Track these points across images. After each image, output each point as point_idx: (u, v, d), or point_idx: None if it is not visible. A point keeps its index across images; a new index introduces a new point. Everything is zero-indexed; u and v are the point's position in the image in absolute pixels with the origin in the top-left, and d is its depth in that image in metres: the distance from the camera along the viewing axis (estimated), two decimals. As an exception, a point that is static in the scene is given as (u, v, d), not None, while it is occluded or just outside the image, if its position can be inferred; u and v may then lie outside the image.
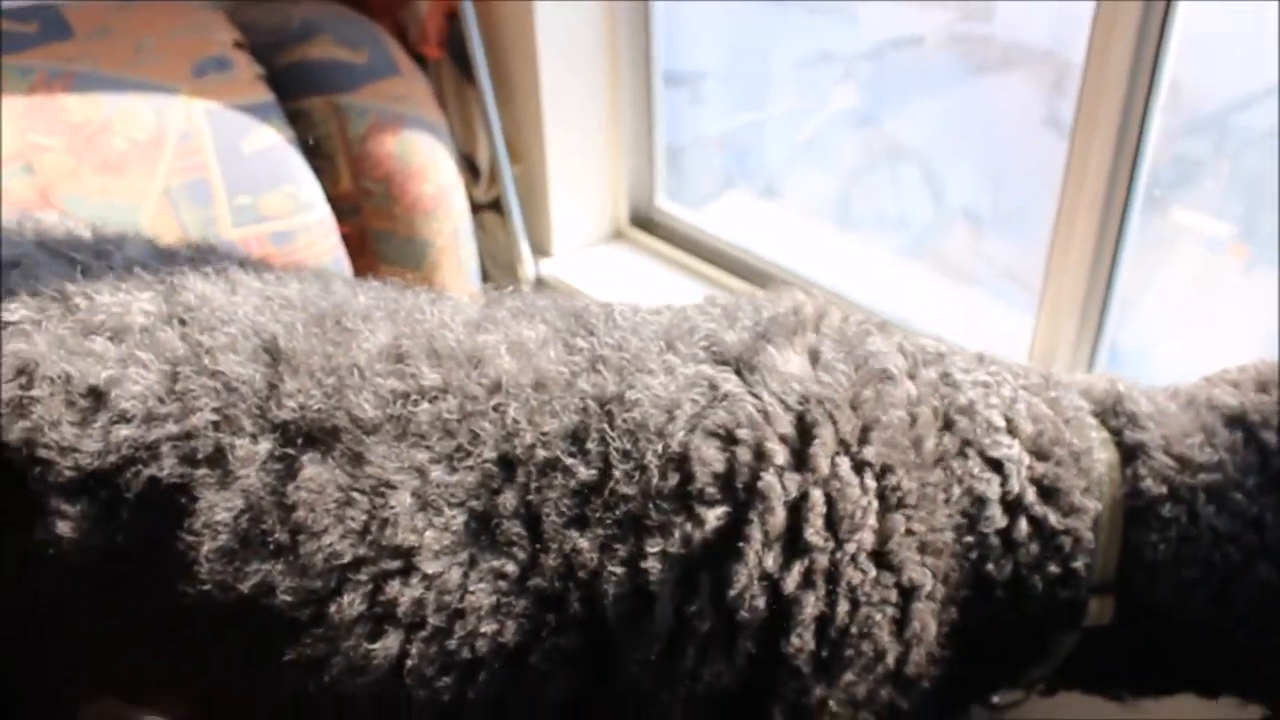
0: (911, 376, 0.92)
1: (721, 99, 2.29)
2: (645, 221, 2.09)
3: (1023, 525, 0.89)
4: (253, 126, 1.65)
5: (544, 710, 0.88)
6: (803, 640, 0.84)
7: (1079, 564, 0.89)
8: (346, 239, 1.72)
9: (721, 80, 2.26)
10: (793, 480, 0.85)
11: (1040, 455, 0.91)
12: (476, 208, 1.93)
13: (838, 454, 0.86)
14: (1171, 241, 1.61)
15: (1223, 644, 0.90)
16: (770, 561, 0.83)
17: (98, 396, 0.91)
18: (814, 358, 0.91)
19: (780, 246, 1.90)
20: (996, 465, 0.90)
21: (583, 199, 2.01)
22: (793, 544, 0.84)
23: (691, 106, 2.18)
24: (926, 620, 0.87)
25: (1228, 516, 0.88)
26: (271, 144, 1.66)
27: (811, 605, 0.84)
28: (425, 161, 1.73)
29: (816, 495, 0.85)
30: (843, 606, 0.84)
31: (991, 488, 0.89)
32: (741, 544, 0.83)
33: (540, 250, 2.01)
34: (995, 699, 1.05)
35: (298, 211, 1.64)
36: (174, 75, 1.63)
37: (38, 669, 1.03)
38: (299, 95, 1.73)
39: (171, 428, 0.89)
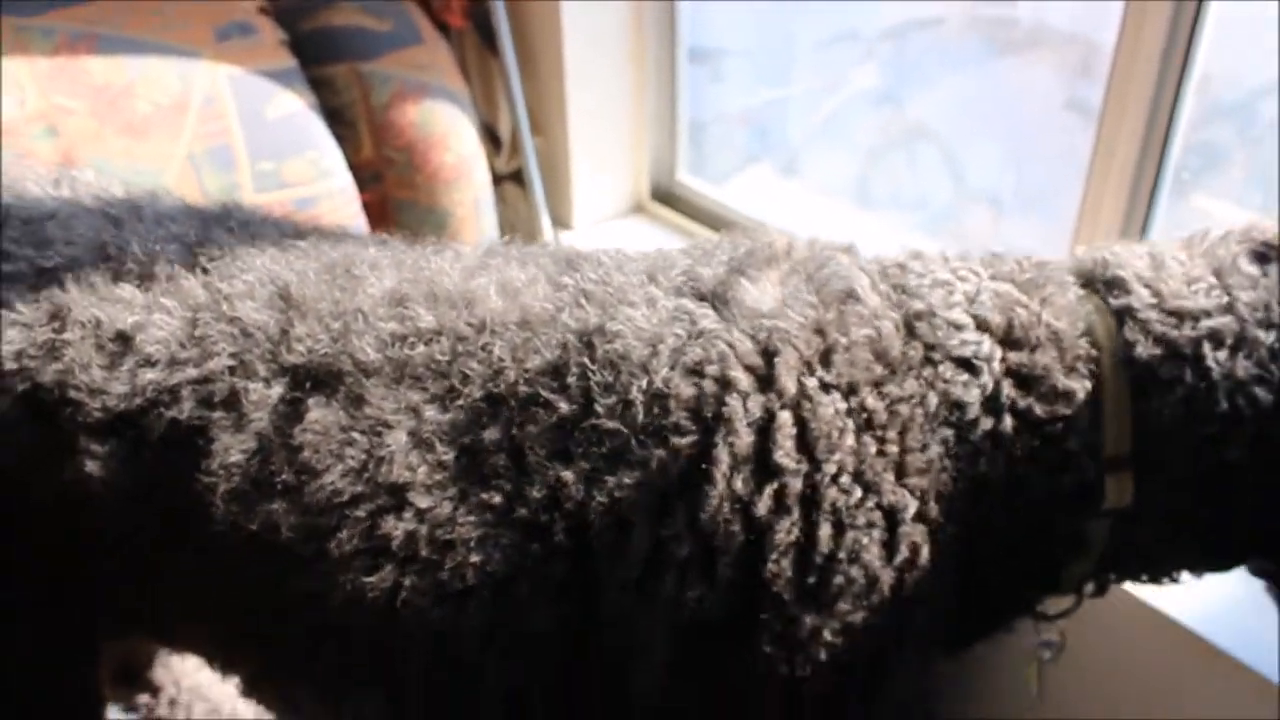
0: (874, 293, 0.90)
1: (743, 76, 2.29)
2: (666, 196, 2.09)
3: (1008, 422, 0.86)
4: (276, 92, 1.65)
5: (533, 640, 0.89)
6: (780, 566, 0.83)
7: (1075, 446, 0.86)
8: (368, 207, 1.72)
9: (744, 58, 2.25)
10: (756, 402, 0.84)
11: (1014, 345, 0.88)
12: (497, 179, 1.93)
13: (803, 375, 0.85)
14: (1193, 227, 1.60)
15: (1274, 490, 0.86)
16: (740, 484, 0.83)
17: (125, 341, 0.94)
18: (783, 287, 0.91)
19: (800, 223, 1.90)
20: (968, 365, 0.87)
21: (604, 172, 2.00)
22: (763, 467, 0.84)
23: (712, 83, 2.17)
24: (917, 543, 0.85)
25: (1247, 358, 0.84)
26: (294, 110, 1.66)
27: (786, 529, 0.83)
28: (447, 131, 1.73)
29: (785, 417, 0.84)
30: (825, 531, 0.83)
31: (969, 391, 0.86)
32: (710, 467, 0.83)
33: (560, 222, 2.01)
34: (1044, 609, 1.01)
35: (319, 178, 1.64)
36: (197, 39, 1.62)
37: (69, 604, 1.05)
38: (322, 62, 1.73)
39: (191, 372, 0.92)
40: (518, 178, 1.95)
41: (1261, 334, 0.84)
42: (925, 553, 0.85)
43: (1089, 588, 0.97)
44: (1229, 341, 0.84)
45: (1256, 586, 1.17)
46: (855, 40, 2.26)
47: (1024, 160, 2.07)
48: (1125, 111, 1.31)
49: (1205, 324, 0.85)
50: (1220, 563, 0.95)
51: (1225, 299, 0.85)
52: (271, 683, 1.06)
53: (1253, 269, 0.86)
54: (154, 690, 1.53)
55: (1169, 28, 1.25)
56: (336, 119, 1.72)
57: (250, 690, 1.09)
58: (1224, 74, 1.44)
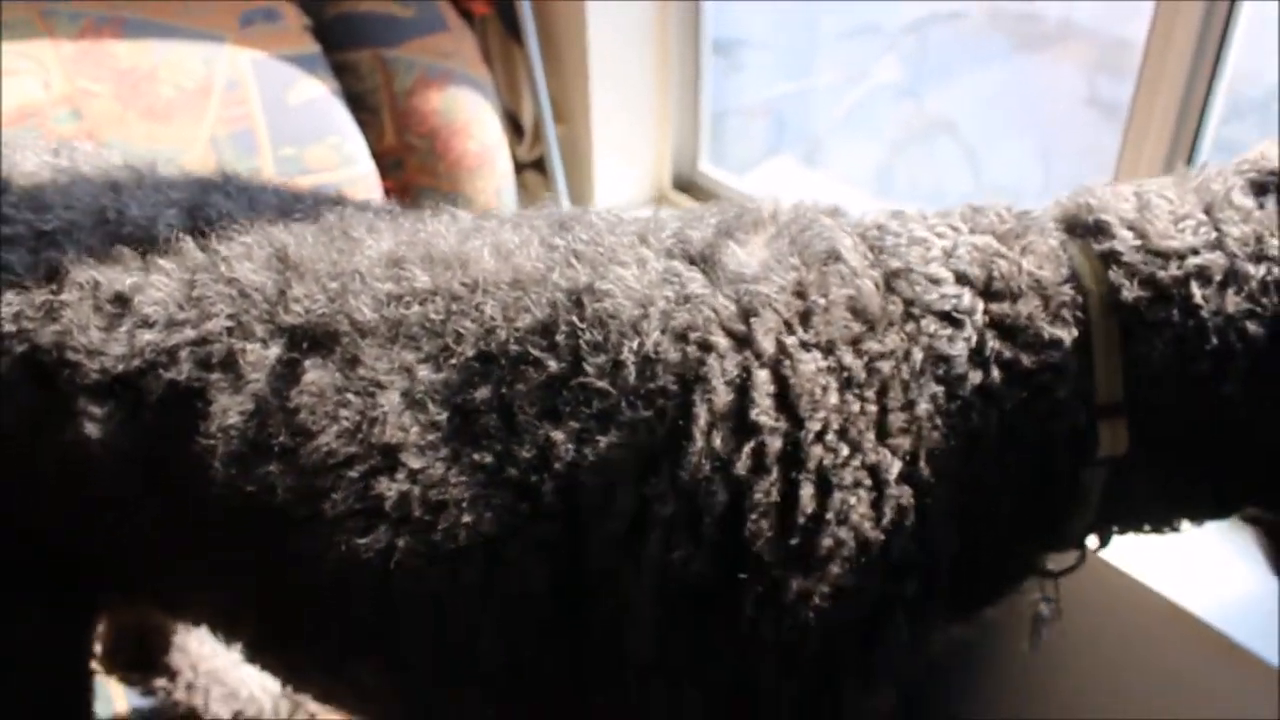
0: (856, 253, 0.89)
1: (765, 68, 2.28)
2: (688, 185, 2.08)
3: (996, 375, 0.85)
4: (299, 78, 1.65)
5: (526, 601, 0.88)
6: (760, 526, 0.82)
7: (1066, 395, 0.84)
8: (389, 194, 1.72)
9: (766, 50, 2.25)
10: (734, 361, 0.84)
11: (994, 296, 0.86)
12: (519, 167, 1.92)
13: (782, 335, 0.84)
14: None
15: (1276, 432, 0.85)
16: (719, 442, 0.82)
17: (123, 302, 0.94)
18: (768, 250, 0.90)
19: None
20: (949, 319, 0.86)
21: (626, 161, 2.00)
22: (741, 425, 0.83)
23: (734, 75, 2.17)
24: (904, 505, 0.84)
25: (1237, 293, 0.82)
26: (317, 96, 1.66)
27: (766, 489, 0.82)
28: (470, 119, 1.73)
29: (762, 375, 0.83)
30: (808, 491, 0.82)
31: (954, 344, 0.85)
32: (689, 424, 0.83)
33: (581, 212, 2.00)
34: (1050, 566, 1.00)
35: (342, 165, 1.64)
36: (221, 24, 1.62)
37: (68, 571, 1.05)
38: (345, 48, 1.73)
39: (189, 333, 0.92)
40: (540, 166, 1.95)
41: (1251, 268, 0.82)
42: (914, 515, 0.84)
43: (1092, 541, 0.96)
44: (1217, 278, 0.82)
45: (1258, 572, 1.17)
46: (877, 34, 2.26)
47: (1045, 156, 2.07)
48: (1154, 110, 1.30)
49: (1192, 262, 0.83)
50: (1218, 509, 0.93)
51: (1213, 235, 0.84)
52: (273, 648, 1.06)
53: (1246, 201, 0.85)
54: (171, 674, 1.53)
55: (1200, 27, 1.24)
56: (359, 105, 1.72)
57: (253, 657, 1.09)
58: (1246, 71, 1.44)
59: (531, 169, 1.98)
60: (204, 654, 1.54)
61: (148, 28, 1.58)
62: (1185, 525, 0.95)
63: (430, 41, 1.74)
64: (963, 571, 0.88)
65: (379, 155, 1.71)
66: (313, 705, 1.54)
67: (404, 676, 0.98)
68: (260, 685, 1.56)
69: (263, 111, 1.62)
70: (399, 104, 1.72)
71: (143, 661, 1.52)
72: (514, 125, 1.90)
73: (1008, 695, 1.58)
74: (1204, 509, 0.94)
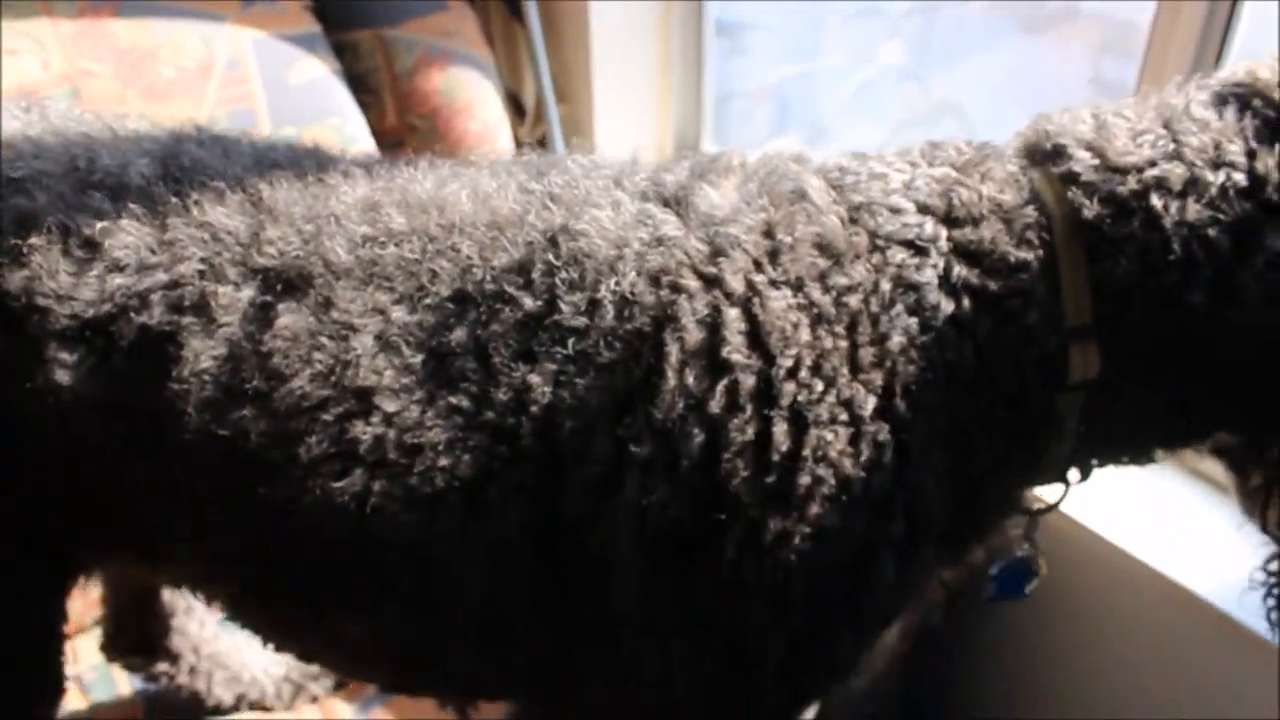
0: (823, 193, 0.89)
1: (767, 51, 2.27)
2: (690, 168, 2.06)
3: (966, 303, 0.85)
4: (299, 58, 1.65)
5: (505, 547, 0.88)
6: (734, 465, 0.82)
7: (1035, 320, 0.84)
8: (390, 174, 1.71)
9: (768, 32, 2.24)
10: (703, 299, 0.84)
11: (956, 223, 0.86)
12: (521, 146, 1.91)
13: (751, 274, 0.85)
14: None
15: (1248, 341, 0.84)
16: (691, 380, 0.82)
17: (93, 246, 0.93)
18: (739, 192, 0.91)
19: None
20: (914, 248, 0.86)
21: (628, 142, 1.98)
22: (713, 363, 0.83)
23: (734, 57, 2.16)
24: (883, 440, 0.83)
25: (1197, 201, 0.81)
26: (317, 75, 1.66)
27: (739, 428, 0.82)
28: (471, 98, 1.72)
29: (732, 313, 0.83)
30: (781, 428, 0.82)
31: (922, 271, 0.85)
32: (662, 363, 0.83)
33: (583, 193, 1.99)
34: (1034, 504, 1.01)
35: (343, 145, 1.63)
36: (222, 4, 1.61)
37: (48, 521, 1.03)
38: (346, 27, 1.72)
39: (161, 276, 0.91)
40: (542, 146, 1.93)
41: (1210, 175, 0.82)
42: (893, 451, 0.84)
43: (1074, 475, 0.96)
44: (1177, 188, 0.82)
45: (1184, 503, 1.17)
46: (881, 16, 2.25)
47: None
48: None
49: (1150, 174, 0.83)
50: (1192, 434, 0.93)
51: (1171, 146, 0.83)
52: (252, 601, 1.05)
53: (1206, 113, 0.85)
54: (172, 658, 1.52)
55: (1206, 8, 1.23)
56: (360, 85, 1.71)
57: (234, 613, 1.09)
58: (1252, 51, 1.43)
59: (533, 149, 1.96)
60: (205, 637, 1.53)
61: (147, 7, 1.57)
62: (1161, 455, 0.95)
63: (431, 21, 1.73)
64: (946, 509, 0.88)
65: (380, 135, 1.70)
66: (316, 688, 1.54)
67: (385, 627, 0.97)
68: (263, 669, 1.55)
69: (263, 91, 1.61)
70: (400, 84, 1.71)
71: (143, 646, 1.52)
72: (515, 105, 1.88)
73: (1010, 681, 1.58)
74: (1178, 434, 0.94)
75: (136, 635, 1.51)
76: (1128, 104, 0.90)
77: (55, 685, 1.19)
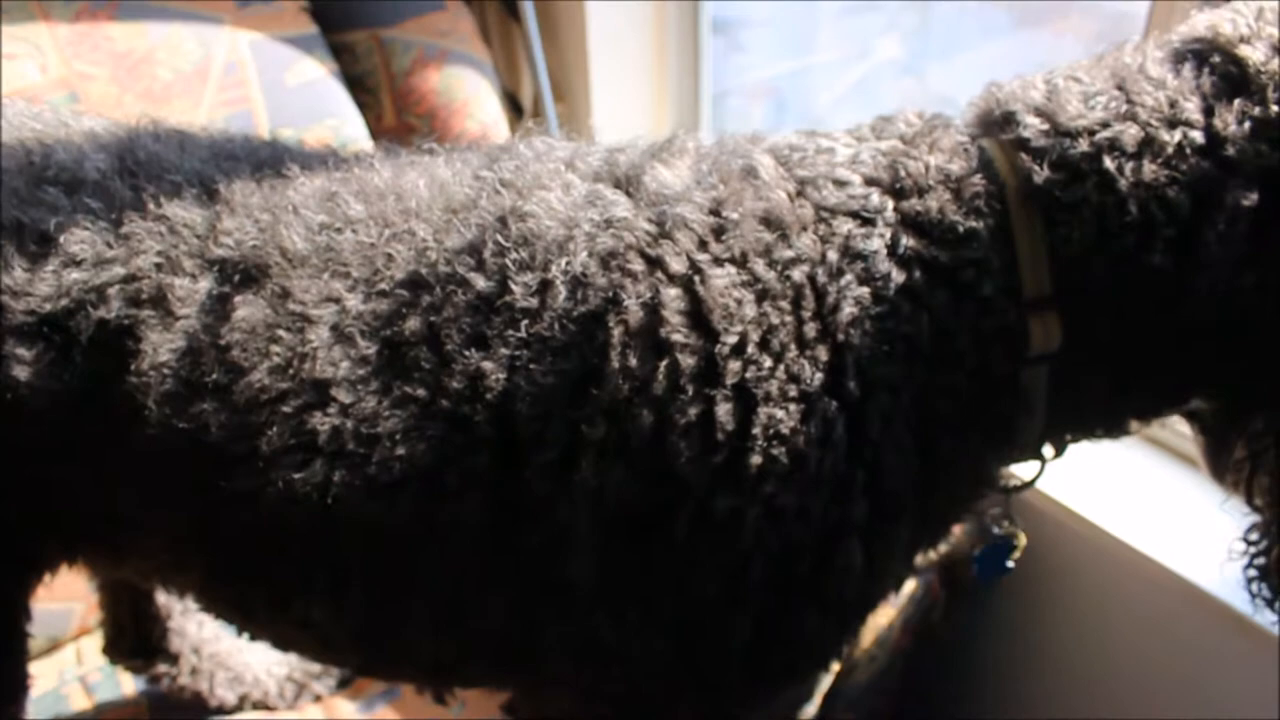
0: (773, 170, 0.88)
1: (763, 48, 2.27)
2: (687, 166, 2.06)
3: (918, 275, 0.83)
4: (297, 59, 1.65)
5: (466, 532, 0.88)
6: (679, 446, 0.81)
7: (990, 291, 0.83)
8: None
9: (764, 28, 2.24)
10: (645, 280, 0.83)
11: (902, 194, 0.85)
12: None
13: (693, 253, 0.84)
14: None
15: (1212, 303, 0.82)
16: (633, 360, 0.82)
17: (49, 242, 0.92)
18: (692, 172, 0.90)
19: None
20: (860, 218, 0.84)
21: (626, 139, 1.98)
22: (654, 344, 0.82)
23: (730, 55, 2.16)
24: (837, 417, 0.82)
25: (1153, 160, 0.79)
26: (315, 77, 1.65)
27: (681, 407, 0.81)
28: (469, 98, 1.72)
29: (671, 293, 0.83)
30: (725, 407, 0.81)
31: (868, 241, 0.83)
32: (606, 345, 0.83)
33: (580, 192, 1.99)
34: (1008, 483, 1.00)
35: (341, 146, 1.63)
36: (219, 5, 1.61)
37: (8, 519, 1.03)
38: (343, 28, 1.72)
39: (118, 270, 0.92)
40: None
41: (1166, 134, 0.80)
42: (851, 429, 0.82)
43: (1048, 451, 0.95)
44: (1130, 148, 0.80)
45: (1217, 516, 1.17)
46: (877, 11, 2.25)
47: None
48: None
49: (1102, 135, 0.81)
50: (1163, 402, 0.92)
51: (1125, 106, 0.82)
52: (221, 591, 1.05)
53: (1161, 71, 0.83)
54: (172, 659, 1.53)
55: (1201, 5, 1.23)
56: (358, 86, 1.71)
57: (205, 603, 1.09)
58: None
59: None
60: (205, 638, 1.54)
61: (144, 10, 1.57)
62: (1135, 426, 0.94)
63: (428, 20, 1.73)
64: (916, 489, 0.87)
65: (378, 136, 1.70)
66: (319, 687, 1.54)
67: (349, 612, 0.97)
68: (265, 669, 1.56)
69: (261, 93, 1.61)
70: (397, 84, 1.71)
71: (143, 648, 1.52)
72: (513, 104, 1.88)
73: (1010, 676, 1.58)
74: (1149, 403, 0.92)
75: (135, 637, 1.51)
76: (1082, 66, 0.88)
77: (19, 684, 1.19)
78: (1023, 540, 1.09)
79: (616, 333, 0.83)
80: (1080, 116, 0.83)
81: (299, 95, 1.63)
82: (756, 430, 0.81)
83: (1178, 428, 1.40)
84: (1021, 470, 1.00)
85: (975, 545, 1.14)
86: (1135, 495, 1.38)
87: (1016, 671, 1.57)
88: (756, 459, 0.81)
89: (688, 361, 0.82)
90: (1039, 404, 0.87)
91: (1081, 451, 0.97)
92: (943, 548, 1.32)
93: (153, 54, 1.56)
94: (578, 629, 0.90)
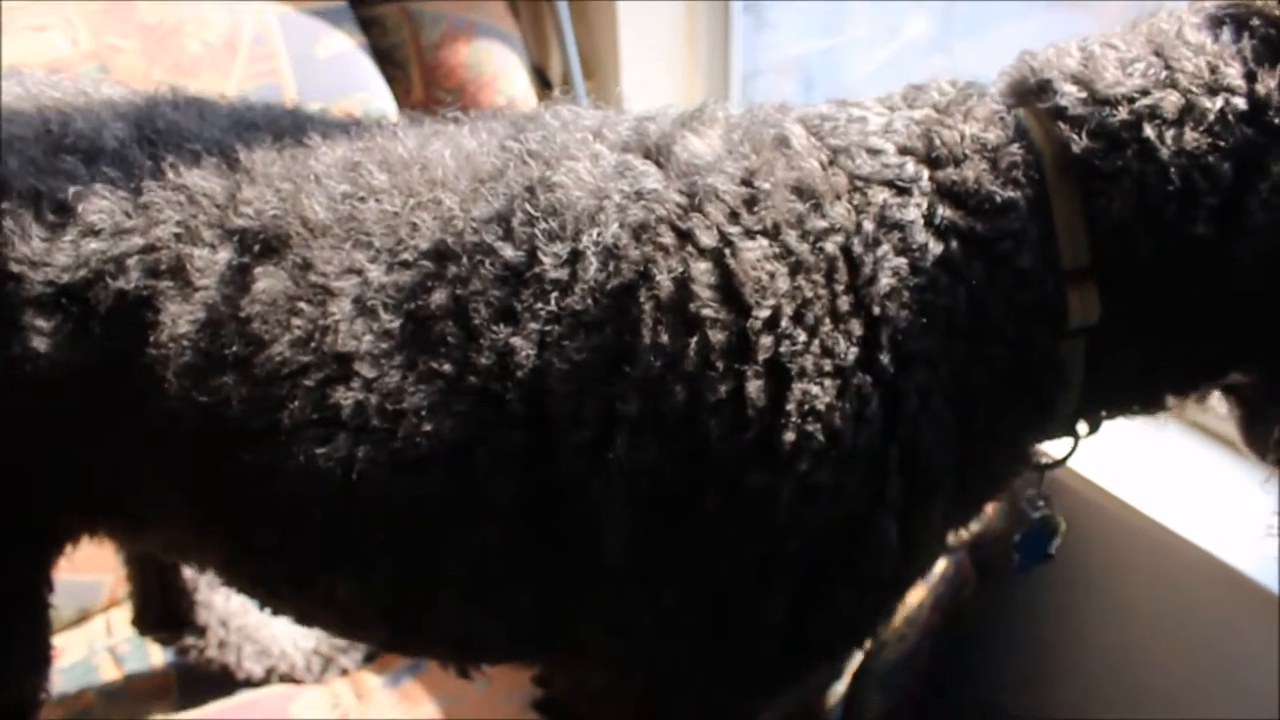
0: (805, 139, 0.87)
1: (792, 26, 2.25)
2: (715, 143, 2.04)
3: (955, 246, 0.82)
4: (325, 32, 1.64)
5: (495, 510, 0.87)
6: (710, 423, 0.80)
7: (1028, 263, 0.81)
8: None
9: (792, 6, 2.22)
10: (676, 254, 0.82)
11: (938, 163, 0.83)
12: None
13: (724, 225, 0.83)
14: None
15: (1256, 272, 0.80)
16: (665, 336, 0.81)
17: (67, 211, 0.92)
18: (723, 141, 0.89)
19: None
20: (895, 187, 0.83)
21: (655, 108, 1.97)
22: (685, 319, 0.81)
23: (759, 33, 2.14)
24: (867, 393, 0.81)
25: (1195, 128, 0.78)
26: (344, 50, 1.65)
27: (713, 383, 0.80)
28: (498, 72, 1.71)
29: (701, 267, 0.81)
30: (757, 384, 0.80)
31: (905, 211, 0.82)
32: (638, 320, 0.82)
33: (608, 168, 1.98)
34: (1042, 459, 0.99)
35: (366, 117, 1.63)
36: (247, -23, 1.61)
37: (28, 495, 1.02)
38: (372, 2, 1.71)
39: (137, 240, 0.91)
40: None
41: (1208, 100, 0.79)
42: (887, 404, 0.81)
43: (1082, 428, 0.94)
44: (1171, 116, 0.79)
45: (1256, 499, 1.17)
46: (906, -12, 2.23)
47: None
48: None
49: (1142, 103, 0.79)
50: (1203, 376, 0.90)
51: (1164, 73, 0.80)
52: (244, 566, 1.04)
53: (1200, 36, 0.81)
54: (200, 631, 1.53)
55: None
56: (386, 59, 1.71)
57: (226, 578, 1.08)
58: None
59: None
60: (232, 610, 1.54)
61: (172, -18, 1.56)
62: (1172, 402, 0.92)
63: (458, -6, 1.72)
64: (953, 465, 0.85)
65: (407, 109, 1.69)
66: (346, 661, 1.55)
67: (375, 589, 0.96)
68: (292, 642, 1.56)
69: (290, 66, 1.61)
70: (426, 57, 1.70)
71: (170, 621, 1.52)
72: (542, 79, 1.87)
73: (1038, 657, 1.57)
74: (1188, 377, 0.91)
75: (163, 610, 1.52)
76: (1117, 34, 0.86)
77: (42, 654, 1.19)
78: (1063, 525, 1.07)
79: (648, 308, 0.82)
80: (1118, 84, 0.81)
81: (328, 68, 1.63)
82: (790, 406, 0.80)
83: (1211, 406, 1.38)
84: (1053, 448, 0.98)
85: (1014, 531, 1.13)
86: (1167, 474, 1.37)
87: (1046, 651, 1.56)
88: (790, 435, 0.80)
89: (718, 337, 0.80)
90: (1076, 378, 0.86)
91: (1114, 431, 0.96)
92: (974, 526, 1.32)
93: (182, 26, 1.56)
94: (611, 606, 0.90)
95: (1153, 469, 1.37)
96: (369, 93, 1.65)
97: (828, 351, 0.80)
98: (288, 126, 0.98)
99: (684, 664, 0.92)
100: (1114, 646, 1.47)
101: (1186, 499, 1.33)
